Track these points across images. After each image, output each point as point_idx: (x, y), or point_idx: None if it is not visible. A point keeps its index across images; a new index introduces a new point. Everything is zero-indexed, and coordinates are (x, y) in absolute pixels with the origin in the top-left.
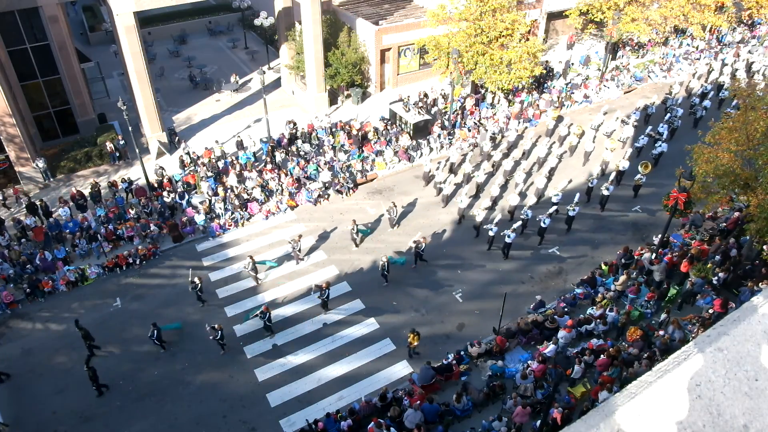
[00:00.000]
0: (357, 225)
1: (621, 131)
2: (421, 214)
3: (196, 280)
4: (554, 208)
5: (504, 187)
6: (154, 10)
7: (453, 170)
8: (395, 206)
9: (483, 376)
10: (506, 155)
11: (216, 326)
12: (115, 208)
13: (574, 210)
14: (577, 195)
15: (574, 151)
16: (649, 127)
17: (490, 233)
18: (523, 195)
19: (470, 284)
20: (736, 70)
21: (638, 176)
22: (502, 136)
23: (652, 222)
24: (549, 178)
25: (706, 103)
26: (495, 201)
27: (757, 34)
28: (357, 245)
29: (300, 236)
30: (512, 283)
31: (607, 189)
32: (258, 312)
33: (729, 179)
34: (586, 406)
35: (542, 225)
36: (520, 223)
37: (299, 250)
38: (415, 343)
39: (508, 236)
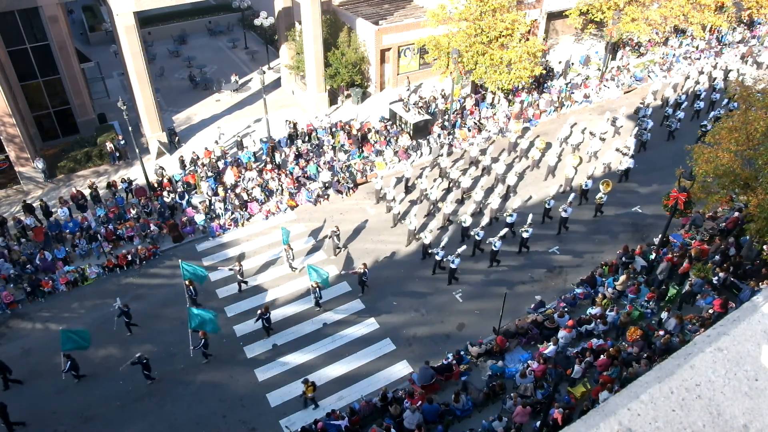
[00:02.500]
0: (338, 232)
1: (589, 144)
2: (366, 238)
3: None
4: (504, 231)
5: (460, 205)
6: (154, 10)
7: (408, 187)
8: (338, 230)
9: (483, 376)
10: (464, 171)
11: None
12: (115, 208)
13: (527, 231)
14: (530, 216)
15: (537, 166)
16: (616, 143)
17: (437, 257)
18: (478, 214)
19: (470, 284)
20: (714, 78)
21: (599, 195)
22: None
23: (652, 222)
24: (508, 196)
25: (680, 114)
26: (448, 221)
27: (757, 34)
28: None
29: (239, 262)
30: (512, 283)
31: (565, 210)
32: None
33: (729, 179)
34: (586, 405)
35: (494, 248)
36: (463, 248)
37: (241, 274)
38: (310, 394)
39: (452, 261)
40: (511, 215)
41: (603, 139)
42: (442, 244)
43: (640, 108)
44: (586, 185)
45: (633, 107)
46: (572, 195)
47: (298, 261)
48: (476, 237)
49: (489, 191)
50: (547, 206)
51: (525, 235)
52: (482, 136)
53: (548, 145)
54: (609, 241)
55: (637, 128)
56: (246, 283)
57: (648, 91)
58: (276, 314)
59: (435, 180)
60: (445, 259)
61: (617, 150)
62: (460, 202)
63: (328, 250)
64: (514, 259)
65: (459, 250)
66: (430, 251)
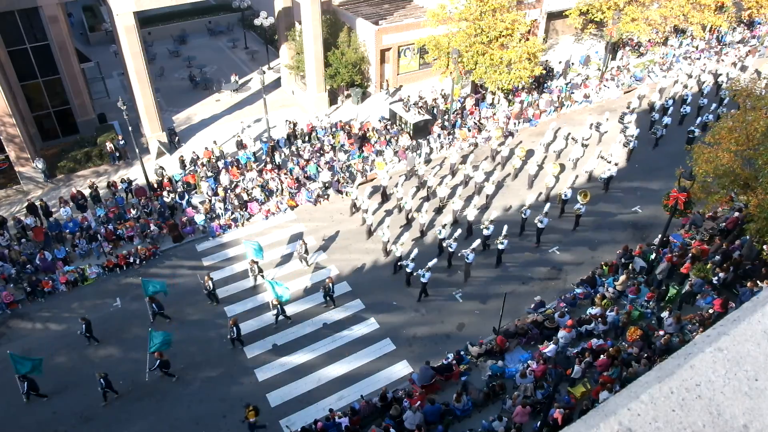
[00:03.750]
0: (306, 245)
1: (571, 151)
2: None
3: (209, 283)
4: (476, 243)
5: (438, 214)
6: (154, 10)
7: (385, 196)
8: (305, 244)
9: (483, 376)
10: (442, 179)
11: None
12: (115, 208)
13: (502, 243)
14: (505, 227)
15: (518, 175)
16: (599, 150)
17: (407, 269)
18: (454, 225)
19: (470, 284)
20: (704, 83)
21: (578, 206)
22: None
23: (652, 222)
24: (487, 206)
25: (667, 120)
26: (422, 232)
27: (757, 34)
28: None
29: (209, 276)
30: (512, 283)
31: (541, 222)
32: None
33: (729, 179)
34: (586, 405)
35: (467, 260)
36: (435, 261)
37: (211, 287)
38: (252, 419)
39: (423, 276)
40: (487, 228)
41: (585, 146)
42: (412, 255)
43: (624, 113)
44: (566, 195)
45: (631, 108)
46: (547, 205)
47: (297, 262)
48: (449, 249)
49: (468, 200)
50: (523, 216)
51: (500, 246)
52: (482, 136)
53: (530, 153)
54: (609, 241)
55: (620, 136)
56: (215, 296)
57: (635, 95)
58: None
59: (414, 188)
60: (415, 273)
61: (601, 157)
62: (438, 211)
63: (316, 257)
64: (515, 260)
65: (430, 264)
66: (400, 264)
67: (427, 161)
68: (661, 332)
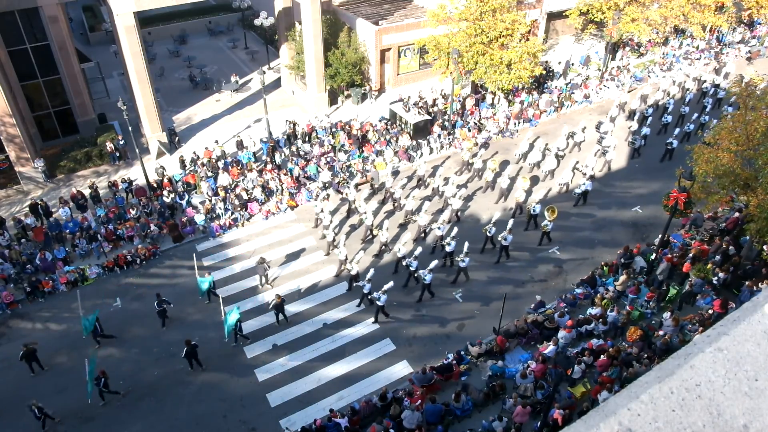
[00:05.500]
0: (266, 262)
1: (545, 163)
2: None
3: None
4: (434, 263)
5: (403, 230)
6: (154, 10)
7: (351, 209)
8: (265, 262)
9: (483, 376)
10: (409, 192)
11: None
12: (115, 208)
13: (464, 261)
14: (466, 244)
15: (492, 187)
16: (576, 161)
17: (365, 290)
18: (416, 242)
19: (470, 284)
20: (688, 89)
21: (545, 222)
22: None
23: (652, 222)
24: (458, 221)
25: (645, 130)
26: (383, 249)
27: (757, 35)
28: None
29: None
30: (512, 283)
31: (505, 239)
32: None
33: (729, 179)
34: (586, 406)
35: (424, 281)
36: (391, 284)
37: (163, 310)
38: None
39: (379, 298)
40: (449, 243)
41: (561, 156)
42: (368, 276)
43: (601, 122)
44: (534, 210)
45: (630, 109)
46: (511, 221)
47: (298, 262)
48: (410, 267)
49: (438, 214)
50: (488, 234)
51: (462, 264)
52: (482, 136)
53: (505, 163)
54: (609, 241)
55: (596, 147)
56: (166, 318)
57: (614, 103)
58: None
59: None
60: (371, 295)
61: (576, 169)
62: (403, 226)
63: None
64: (514, 260)
65: (386, 287)
66: (356, 283)
67: (395, 172)
68: (661, 332)
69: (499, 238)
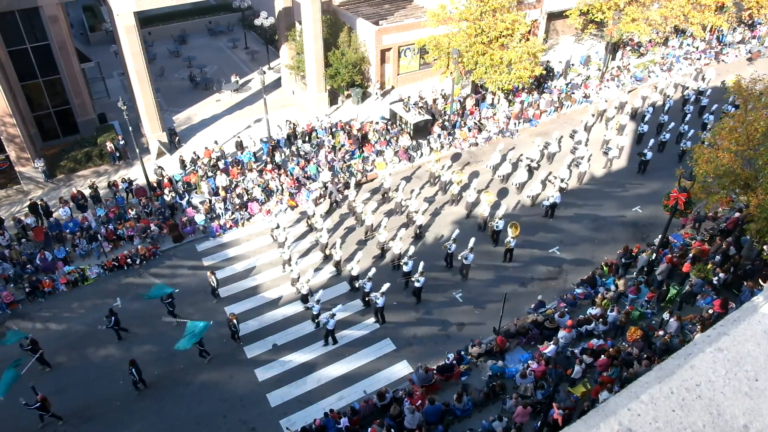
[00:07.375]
0: (216, 277)
1: (515, 175)
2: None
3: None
4: (386, 286)
5: (361, 246)
6: (154, 10)
7: (310, 224)
8: (214, 274)
9: (483, 376)
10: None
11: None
12: (115, 208)
13: (419, 281)
14: (422, 264)
15: (455, 203)
16: (550, 173)
17: (314, 312)
18: (373, 260)
19: (470, 284)
20: (668, 96)
21: (507, 239)
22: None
23: (652, 222)
24: (421, 237)
25: (622, 140)
26: (338, 268)
27: (757, 35)
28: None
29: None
30: (512, 283)
31: (466, 258)
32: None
33: (729, 179)
34: (587, 406)
35: (377, 304)
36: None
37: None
38: None
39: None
40: (406, 263)
41: (535, 168)
42: (317, 296)
43: (575, 131)
44: (497, 226)
45: (630, 109)
46: (472, 239)
47: (300, 262)
48: (364, 288)
49: (399, 230)
50: (448, 251)
51: (417, 284)
52: (482, 136)
53: (474, 176)
54: (609, 241)
55: (569, 158)
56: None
57: (591, 111)
58: (276, 314)
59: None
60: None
61: (548, 181)
62: (362, 243)
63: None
64: (515, 260)
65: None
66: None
67: (359, 184)
68: (661, 332)
69: (460, 257)
